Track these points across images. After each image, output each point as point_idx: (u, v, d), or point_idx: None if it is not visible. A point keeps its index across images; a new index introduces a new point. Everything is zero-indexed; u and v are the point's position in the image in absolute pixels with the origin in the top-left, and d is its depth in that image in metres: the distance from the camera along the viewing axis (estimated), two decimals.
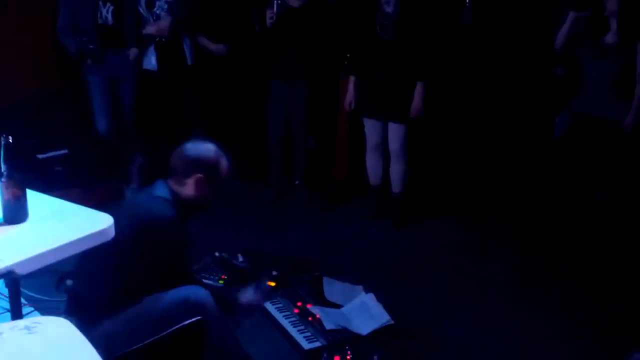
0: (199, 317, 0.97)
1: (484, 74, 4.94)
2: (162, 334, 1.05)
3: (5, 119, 4.42)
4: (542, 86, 4.72)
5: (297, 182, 4.96)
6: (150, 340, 0.98)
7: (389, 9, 4.14)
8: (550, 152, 4.51)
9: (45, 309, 3.06)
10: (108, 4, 4.48)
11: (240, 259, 3.80)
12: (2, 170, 1.97)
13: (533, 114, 4.80)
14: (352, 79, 4.44)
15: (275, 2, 4.44)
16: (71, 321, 2.30)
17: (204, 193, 2.52)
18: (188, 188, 2.50)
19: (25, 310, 2.89)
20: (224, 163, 2.56)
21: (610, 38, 3.88)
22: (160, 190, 2.50)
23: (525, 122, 4.87)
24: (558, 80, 4.53)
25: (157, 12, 4.70)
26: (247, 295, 2.75)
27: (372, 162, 4.59)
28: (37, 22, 4.72)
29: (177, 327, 1.05)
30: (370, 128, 4.48)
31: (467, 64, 4.94)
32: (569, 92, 4.17)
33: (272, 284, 3.61)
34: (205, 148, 2.56)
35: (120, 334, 2.16)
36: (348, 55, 4.64)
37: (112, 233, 2.07)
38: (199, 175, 2.49)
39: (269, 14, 4.45)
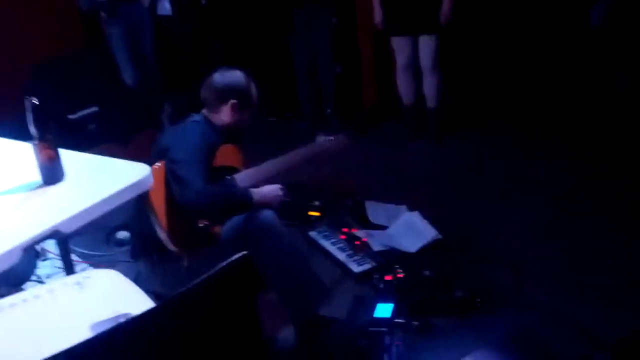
0: (244, 253, 0.96)
1: None
2: (208, 274, 1.04)
3: (32, 81, 4.44)
4: None
5: (328, 110, 4.89)
6: (198, 281, 0.99)
7: None
8: (588, 46, 4.31)
9: (100, 264, 3.14)
10: None
11: None
12: (33, 133, 1.97)
13: (566, 7, 4.57)
14: None
15: None
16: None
17: (238, 118, 2.63)
18: (223, 114, 2.61)
19: (80, 267, 2.98)
20: (253, 87, 2.67)
21: None
22: (195, 117, 2.63)
23: (560, 17, 4.64)
24: None
25: None
26: (263, 191, 2.67)
27: (403, 81, 4.46)
28: None
29: (223, 264, 1.05)
30: (400, 47, 4.33)
31: None
32: None
33: (316, 213, 3.62)
34: (234, 75, 2.66)
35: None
36: None
37: (150, 181, 2.07)
38: (233, 100, 2.59)
39: None
